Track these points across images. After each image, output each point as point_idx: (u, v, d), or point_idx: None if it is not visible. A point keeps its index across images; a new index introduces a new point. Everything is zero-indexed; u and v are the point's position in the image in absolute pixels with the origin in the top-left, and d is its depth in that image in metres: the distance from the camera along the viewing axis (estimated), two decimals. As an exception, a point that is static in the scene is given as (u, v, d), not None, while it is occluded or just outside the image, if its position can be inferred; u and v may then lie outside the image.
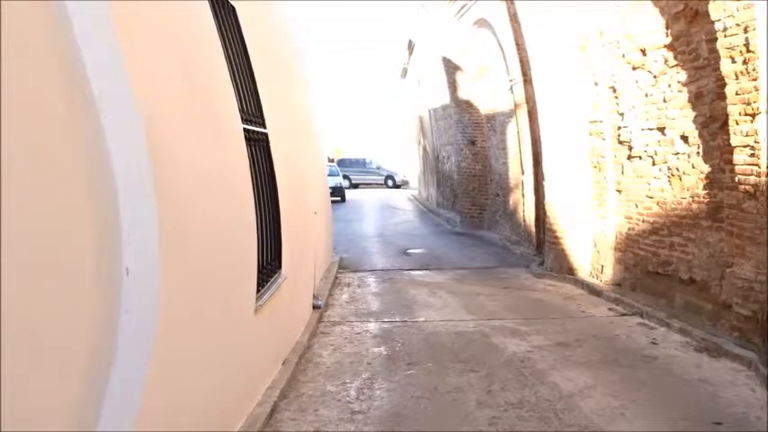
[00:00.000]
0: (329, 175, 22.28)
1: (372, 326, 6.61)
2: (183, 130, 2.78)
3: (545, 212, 9.65)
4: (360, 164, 36.59)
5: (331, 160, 29.72)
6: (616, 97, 7.75)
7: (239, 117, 3.92)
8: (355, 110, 43.46)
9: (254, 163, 4.32)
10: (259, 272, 4.15)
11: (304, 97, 8.70)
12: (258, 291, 4.07)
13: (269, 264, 4.67)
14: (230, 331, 3.43)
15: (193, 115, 2.97)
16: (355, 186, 34.41)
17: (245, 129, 4.09)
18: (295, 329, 5.69)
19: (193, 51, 3.15)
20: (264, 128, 4.82)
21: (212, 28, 3.66)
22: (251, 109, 4.54)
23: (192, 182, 2.82)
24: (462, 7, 13.64)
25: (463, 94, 15.83)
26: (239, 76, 4.30)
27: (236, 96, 4.00)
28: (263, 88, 4.95)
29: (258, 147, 4.61)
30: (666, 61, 6.45)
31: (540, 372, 4.94)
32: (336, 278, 9.34)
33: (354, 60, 44.58)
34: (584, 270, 8.76)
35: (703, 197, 6.09)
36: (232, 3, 4.43)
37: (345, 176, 31.37)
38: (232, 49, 4.20)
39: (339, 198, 23.99)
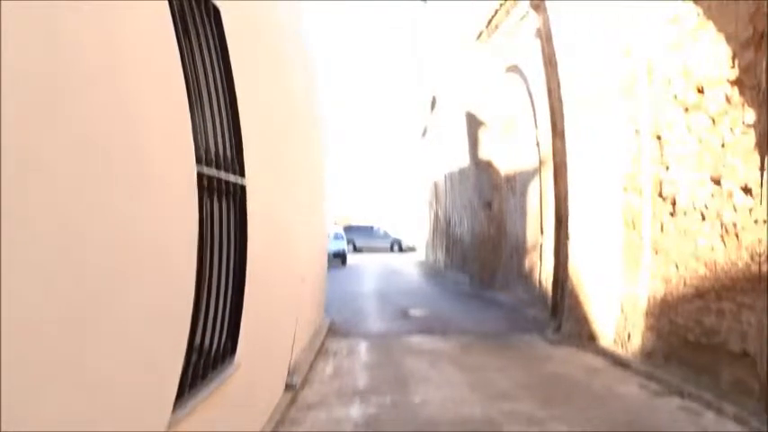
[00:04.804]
0: (334, 239, 22.62)
1: (356, 411, 5.37)
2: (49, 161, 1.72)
3: (565, 274, 8.70)
4: (367, 230, 36.69)
5: (337, 224, 29.74)
6: (661, 146, 6.91)
7: (193, 157, 2.87)
8: (367, 175, 43.43)
9: (211, 221, 3.26)
10: (190, 366, 2.91)
11: (312, 147, 7.76)
12: (180, 396, 2.76)
13: (217, 350, 3.44)
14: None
15: (84, 143, 1.92)
16: (359, 251, 34.01)
17: (207, 176, 3.09)
18: (251, 426, 4.33)
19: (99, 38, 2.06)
20: (242, 176, 3.82)
21: (164, 25, 2.62)
22: (224, 151, 3.50)
23: (44, 243, 1.70)
24: (494, 51, 13.17)
25: (484, 154, 15.25)
26: (211, 103, 3.33)
27: (199, 131, 3.01)
28: (251, 125, 3.96)
29: (228, 200, 3.57)
30: (729, 99, 5.61)
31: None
32: (323, 346, 8.12)
33: (371, 124, 44.38)
34: (606, 337, 7.67)
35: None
36: (215, 2, 3.44)
37: (350, 241, 31.57)
38: (203, 64, 3.25)
39: (340, 261, 24.04)
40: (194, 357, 2.99)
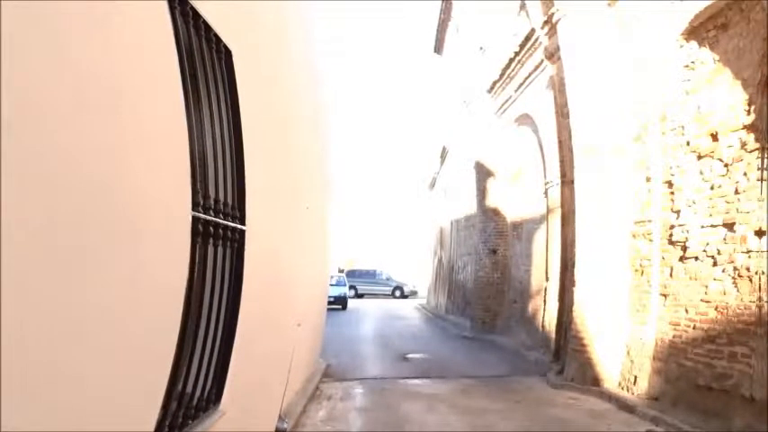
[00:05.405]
0: (335, 285, 22.89)
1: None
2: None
3: (570, 318, 8.66)
4: (369, 275, 36.19)
5: (341, 271, 29.91)
6: (672, 193, 7.00)
7: (189, 201, 2.76)
8: (374, 220, 43.61)
9: (204, 266, 3.10)
10: (167, 417, 2.69)
11: (317, 191, 7.62)
12: None
13: (200, 397, 3.22)
14: None
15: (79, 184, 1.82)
16: (360, 296, 33.76)
17: (204, 221, 2.97)
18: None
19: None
20: (242, 223, 3.67)
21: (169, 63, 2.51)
22: (225, 195, 3.40)
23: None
24: (506, 101, 13.40)
25: (491, 201, 15.40)
26: (215, 145, 3.25)
27: (199, 173, 2.90)
28: (255, 169, 3.86)
29: (225, 245, 3.41)
30: (745, 145, 5.72)
31: None
32: (317, 389, 7.84)
33: (381, 170, 44.89)
34: (611, 381, 7.57)
35: (781, 300, 5.12)
36: (228, 44, 3.37)
37: (352, 287, 31.58)
38: (210, 106, 3.16)
39: (340, 306, 24.01)
40: (173, 407, 2.76)
